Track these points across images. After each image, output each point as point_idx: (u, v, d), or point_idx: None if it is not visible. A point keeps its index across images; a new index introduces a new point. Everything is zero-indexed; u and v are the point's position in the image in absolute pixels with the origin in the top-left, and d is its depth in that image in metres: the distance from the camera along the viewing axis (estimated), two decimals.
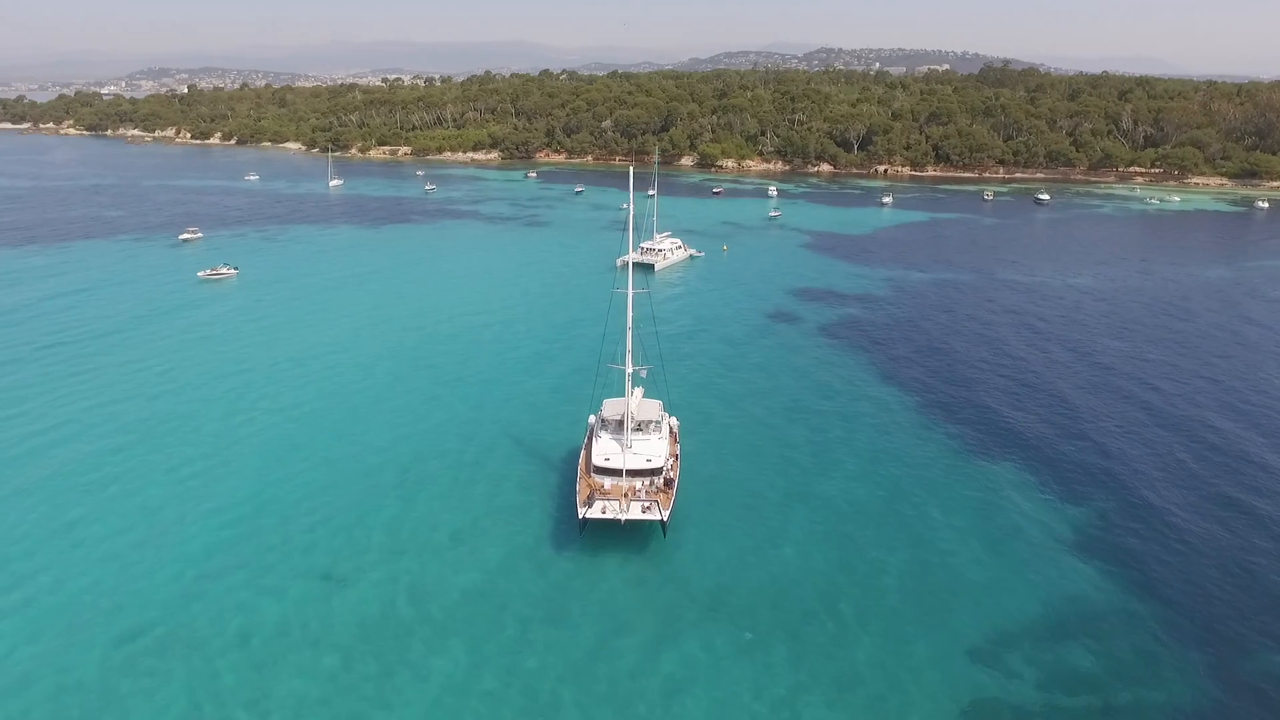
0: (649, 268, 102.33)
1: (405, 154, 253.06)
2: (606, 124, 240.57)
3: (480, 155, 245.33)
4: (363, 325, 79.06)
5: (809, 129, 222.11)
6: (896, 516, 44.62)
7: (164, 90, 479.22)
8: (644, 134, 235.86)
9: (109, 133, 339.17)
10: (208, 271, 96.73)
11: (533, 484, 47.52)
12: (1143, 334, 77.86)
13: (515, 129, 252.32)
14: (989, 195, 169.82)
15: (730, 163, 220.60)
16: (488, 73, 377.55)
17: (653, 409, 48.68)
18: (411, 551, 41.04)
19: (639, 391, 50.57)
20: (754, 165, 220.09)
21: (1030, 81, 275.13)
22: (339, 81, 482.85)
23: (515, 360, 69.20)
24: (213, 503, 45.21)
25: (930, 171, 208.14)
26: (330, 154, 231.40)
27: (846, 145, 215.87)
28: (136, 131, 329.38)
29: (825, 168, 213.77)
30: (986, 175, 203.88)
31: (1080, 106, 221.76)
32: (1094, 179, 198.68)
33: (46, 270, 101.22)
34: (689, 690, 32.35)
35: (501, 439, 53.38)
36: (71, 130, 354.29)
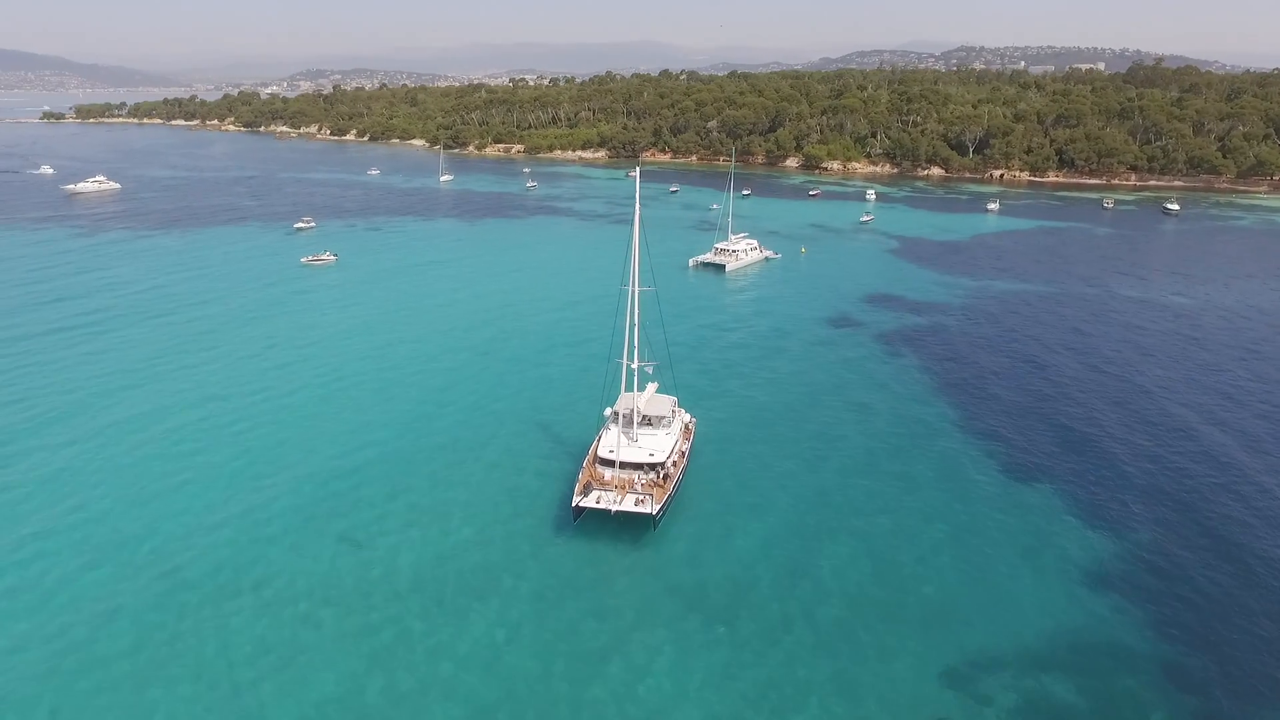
0: (719, 268, 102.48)
1: (518, 151, 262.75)
2: (712, 124, 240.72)
3: (588, 154, 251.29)
4: (434, 312, 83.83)
5: (921, 131, 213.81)
6: (903, 530, 43.43)
7: (315, 90, 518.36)
8: (749, 134, 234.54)
9: (262, 129, 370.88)
10: (309, 257, 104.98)
11: (552, 472, 49.04)
12: (1268, 362, 71.00)
13: (624, 128, 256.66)
14: (1109, 203, 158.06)
15: (835, 165, 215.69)
16: (608, 73, 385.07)
17: (664, 405, 49.52)
18: (424, 524, 43.61)
19: (652, 387, 51.56)
20: (860, 168, 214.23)
21: (1184, 81, 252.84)
22: (472, 82, 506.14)
23: (564, 353, 71.52)
24: (259, 464, 49.82)
25: (1052, 177, 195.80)
26: (442, 150, 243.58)
27: (961, 148, 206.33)
28: (284, 128, 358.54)
29: (936, 171, 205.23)
30: (1116, 182, 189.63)
31: (1236, 109, 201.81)
32: (1241, 188, 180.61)
33: (175, 250, 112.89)
34: (647, 676, 33.07)
35: (534, 428, 55.49)
36: (231, 127, 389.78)
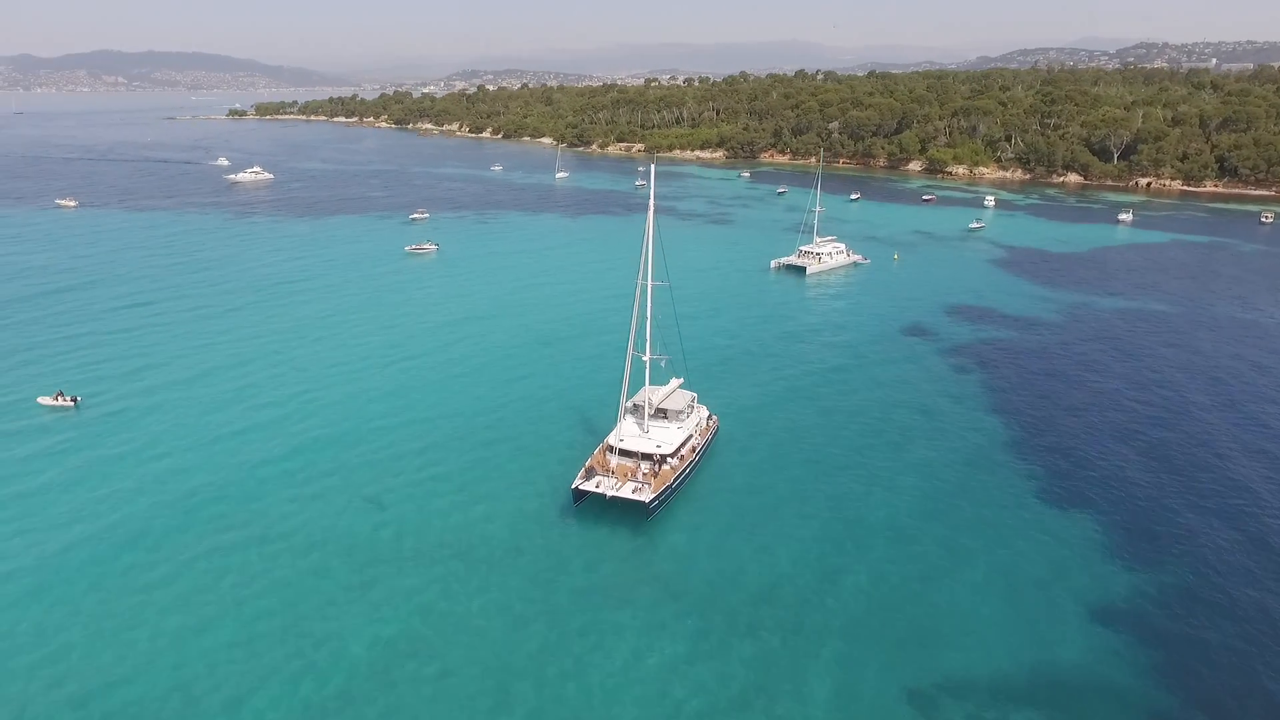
0: (800, 270, 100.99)
1: (638, 150, 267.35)
2: (833, 125, 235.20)
3: (706, 154, 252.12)
4: (509, 299, 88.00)
5: (1061, 134, 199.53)
6: (906, 549, 42.00)
7: (464, 89, 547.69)
8: (872, 136, 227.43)
9: (410, 126, 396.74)
10: (413, 246, 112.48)
11: (576, 460, 50.53)
12: None
13: (745, 129, 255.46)
14: (1268, 218, 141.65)
15: (961, 169, 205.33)
16: (742, 73, 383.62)
17: (681, 400, 50.36)
18: (444, 494, 46.55)
19: (675, 382, 52.45)
20: (988, 173, 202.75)
21: None
22: (613, 81, 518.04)
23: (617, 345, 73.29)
24: (309, 423, 54.88)
25: (1209, 187, 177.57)
26: (562, 148, 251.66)
27: (1104, 154, 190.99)
28: (428, 125, 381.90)
29: (1073, 179, 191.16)
30: None
31: None
32: None
33: (301, 235, 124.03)
34: (605, 654, 34.15)
35: (572, 414, 57.58)
36: (383, 124, 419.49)
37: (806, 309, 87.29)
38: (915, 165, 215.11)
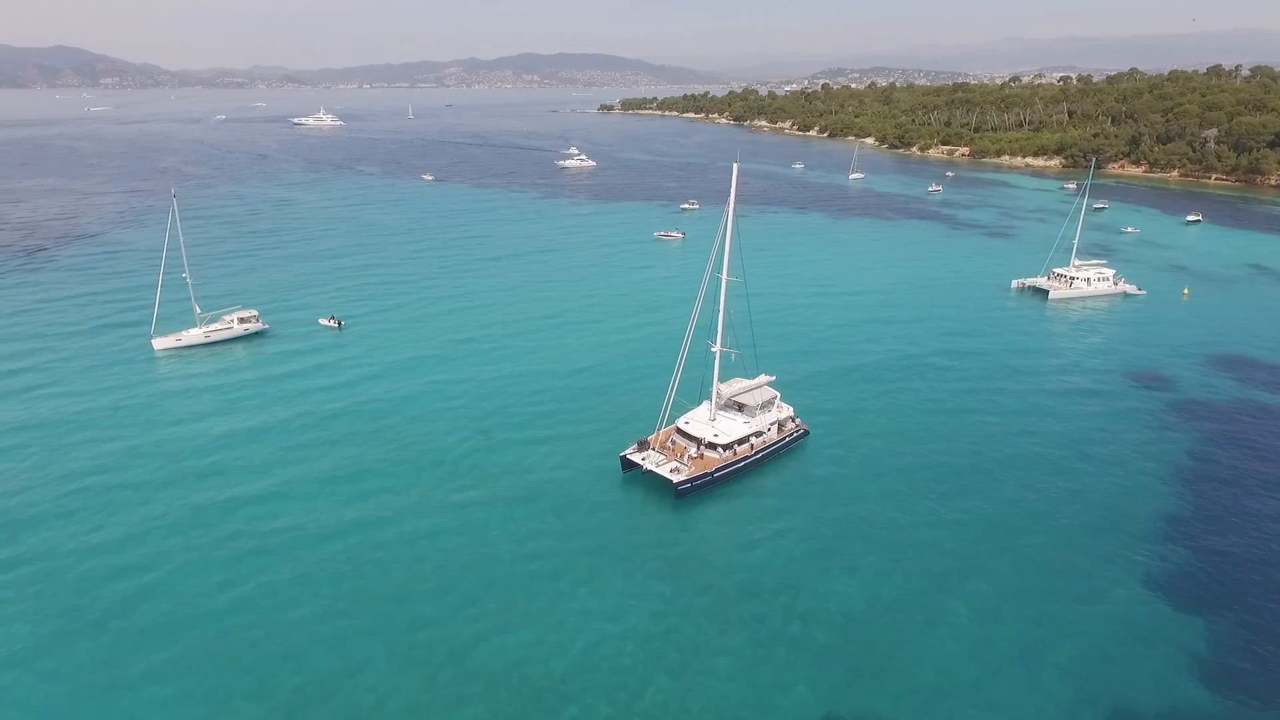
0: (1042, 294, 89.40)
1: (961, 155, 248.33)
2: (1209, 133, 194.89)
3: (1040, 161, 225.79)
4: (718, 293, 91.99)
5: None
6: (936, 602, 38.58)
7: (815, 87, 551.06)
8: (1266, 148, 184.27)
9: (746, 123, 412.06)
10: (661, 233, 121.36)
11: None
12: None
13: (1095, 135, 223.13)
14: None
15: None
16: (1132, 70, 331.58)
17: (758, 396, 51.15)
18: (535, 444, 52.88)
19: (763, 379, 53.13)
20: None
21: None
22: (998, 79, 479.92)
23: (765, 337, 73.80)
24: (498, 362, 66.24)
25: None
26: (857, 147, 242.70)
27: None
28: (762, 123, 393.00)
29: None
30: None
31: None
32: None
33: (582, 214, 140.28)
34: (580, 600, 37.73)
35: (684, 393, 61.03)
36: (723, 120, 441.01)
37: (1022, 335, 77.86)
38: None
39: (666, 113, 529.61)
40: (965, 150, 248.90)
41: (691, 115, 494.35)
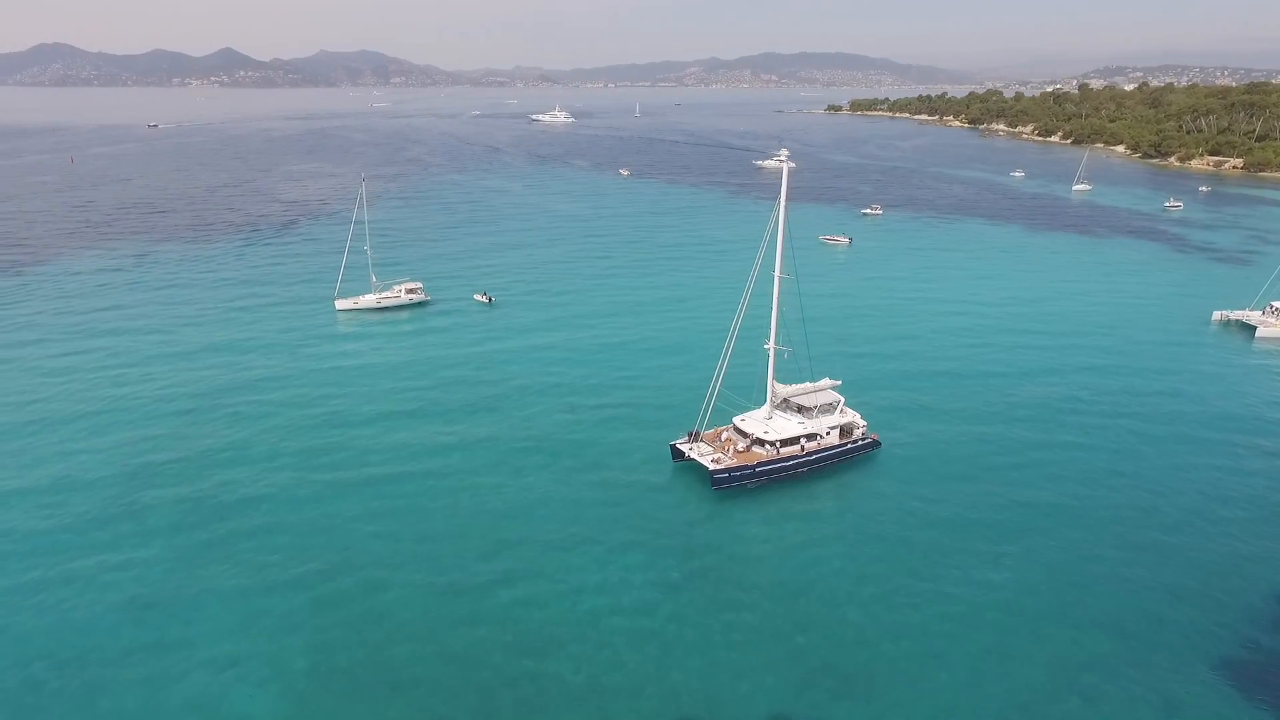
0: (1249, 328, 76.19)
1: (1232, 167, 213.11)
2: None
3: None
4: (850, 303, 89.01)
5: None
6: (959, 645, 36.65)
7: (1105, 85, 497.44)
8: None
9: (980, 127, 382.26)
10: (828, 236, 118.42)
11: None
12: None
13: None
14: None
15: None
16: None
17: (819, 398, 50.25)
18: (607, 418, 56.30)
19: (826, 382, 51.90)
20: None
21: None
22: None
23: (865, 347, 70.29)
24: (605, 339, 70.79)
25: None
26: (1087, 153, 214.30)
27: None
28: (999, 126, 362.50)
29: None
30: None
31: None
32: None
33: (754, 213, 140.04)
34: (591, 571, 39.85)
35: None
36: (956, 123, 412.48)
37: (1204, 374, 67.21)
38: None
39: (897, 114, 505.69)
40: (1238, 162, 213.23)
41: (924, 118, 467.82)
